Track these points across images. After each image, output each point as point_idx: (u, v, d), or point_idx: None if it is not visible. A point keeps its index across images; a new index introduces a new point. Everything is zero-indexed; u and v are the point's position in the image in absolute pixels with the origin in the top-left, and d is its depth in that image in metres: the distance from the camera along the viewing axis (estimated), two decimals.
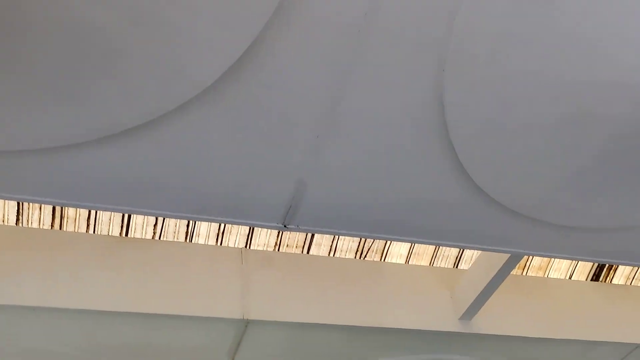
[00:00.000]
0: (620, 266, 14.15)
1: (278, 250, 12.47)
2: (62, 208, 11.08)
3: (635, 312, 13.72)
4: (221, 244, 12.00)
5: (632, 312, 13.69)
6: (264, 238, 12.29)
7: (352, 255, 13.08)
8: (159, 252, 11.05)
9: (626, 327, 13.29)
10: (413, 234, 6.87)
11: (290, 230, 6.62)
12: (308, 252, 12.79)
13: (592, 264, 13.98)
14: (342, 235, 6.45)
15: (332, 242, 12.92)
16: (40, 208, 10.98)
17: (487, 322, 12.24)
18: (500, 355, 13.25)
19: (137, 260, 10.81)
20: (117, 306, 10.19)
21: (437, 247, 13.21)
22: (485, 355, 13.22)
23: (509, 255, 10.43)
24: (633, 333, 13.25)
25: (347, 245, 12.95)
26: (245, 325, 11.14)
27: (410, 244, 12.95)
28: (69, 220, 11.06)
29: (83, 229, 11.07)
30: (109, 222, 11.16)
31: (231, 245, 12.11)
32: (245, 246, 12.15)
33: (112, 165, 5.47)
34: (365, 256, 13.18)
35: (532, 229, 6.97)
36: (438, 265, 13.34)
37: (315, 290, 11.89)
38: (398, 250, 13.15)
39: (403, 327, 11.89)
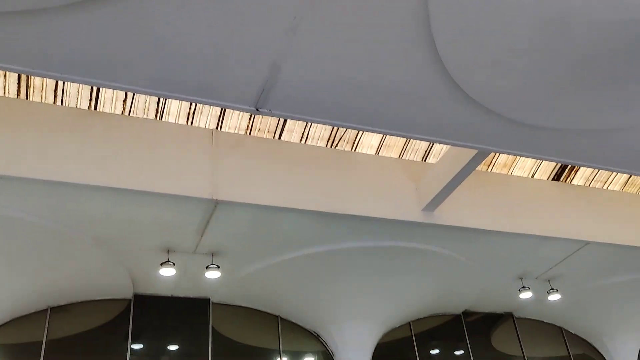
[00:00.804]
0: (580, 168, 14.66)
1: (249, 134, 12.48)
2: (28, 77, 10.71)
3: (589, 212, 14.38)
4: (192, 123, 11.92)
5: (586, 212, 14.35)
6: (236, 121, 12.24)
7: (323, 144, 13.20)
8: (128, 128, 10.91)
9: (579, 225, 13.97)
10: (385, 126, 6.89)
11: (263, 114, 6.56)
12: (279, 138, 12.84)
13: (554, 164, 14.43)
14: (314, 122, 6.42)
15: (304, 129, 12.96)
16: (5, 75, 10.60)
17: (449, 214, 12.73)
18: (460, 246, 13.96)
19: (106, 134, 10.68)
20: (85, 179, 10.23)
21: (408, 140, 13.39)
22: (445, 245, 13.91)
23: (476, 151, 10.65)
24: (584, 231, 13.95)
25: (319, 133, 13.02)
26: (215, 205, 11.37)
27: (381, 136, 13.11)
28: (35, 90, 10.73)
29: (50, 99, 10.80)
30: (77, 95, 10.88)
31: (202, 125, 12.05)
32: (217, 128, 12.10)
33: (81, 33, 5.20)
34: (337, 145, 13.33)
35: (502, 127, 7.05)
36: (407, 158, 13.60)
37: (285, 176, 12.09)
38: (369, 142, 13.31)
39: (368, 215, 12.32)
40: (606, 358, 18.67)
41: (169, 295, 14.40)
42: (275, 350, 15.22)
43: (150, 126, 11.06)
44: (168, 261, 12.28)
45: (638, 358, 18.55)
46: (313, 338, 15.62)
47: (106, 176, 10.21)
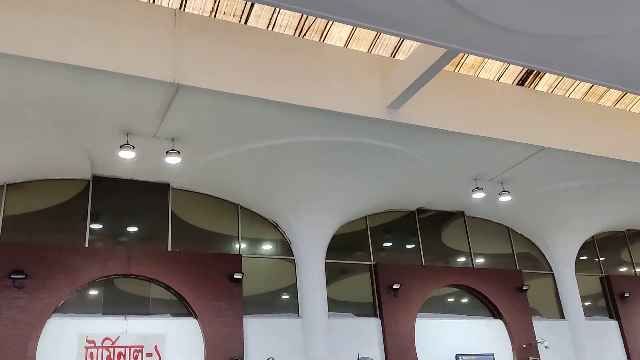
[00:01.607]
0: (545, 74, 14.73)
1: (214, 16, 11.93)
2: None
3: (548, 119, 14.66)
4: (154, 1, 11.28)
5: (545, 118, 14.61)
6: (200, 1, 11.62)
7: (291, 32, 12.74)
8: (87, 1, 10.27)
9: (537, 131, 14.26)
10: (356, 16, 6.66)
11: None
12: (246, 23, 12.32)
13: (521, 69, 14.43)
14: (282, 7, 6.13)
15: (272, 15, 12.43)
16: None
17: (413, 113, 12.76)
18: (421, 146, 14.16)
19: (63, 6, 10.03)
20: (40, 54, 9.71)
21: (378, 34, 13.07)
22: (406, 144, 14.08)
23: (445, 50, 10.52)
24: (541, 137, 14.28)
25: (287, 20, 12.52)
26: (176, 89, 11.05)
27: (351, 28, 12.73)
28: None
29: None
30: None
31: (164, 4, 11.43)
32: (180, 8, 11.50)
33: None
34: (305, 35, 12.89)
35: (474, 27, 6.91)
36: (376, 53, 13.36)
37: (251, 63, 11.74)
38: (338, 33, 12.91)
39: (334, 109, 12.23)
40: (547, 257, 19.87)
41: (129, 178, 14.36)
42: (234, 237, 15.61)
43: (109, 1, 10.43)
44: (127, 144, 12.11)
45: (576, 259, 19.83)
46: (272, 227, 16.03)
47: (61, 52, 9.72)
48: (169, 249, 14.39)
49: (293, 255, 15.87)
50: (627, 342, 19.72)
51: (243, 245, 15.62)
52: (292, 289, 15.71)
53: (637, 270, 21.99)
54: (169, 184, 14.86)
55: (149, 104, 11.27)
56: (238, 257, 15.02)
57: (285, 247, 16.01)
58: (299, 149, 13.43)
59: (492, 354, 16.64)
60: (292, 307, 15.52)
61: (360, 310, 16.76)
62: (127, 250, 13.72)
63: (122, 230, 14.76)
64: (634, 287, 20.76)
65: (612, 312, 20.32)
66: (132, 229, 14.81)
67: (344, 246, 17.26)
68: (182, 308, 13.96)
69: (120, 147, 12.15)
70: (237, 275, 14.36)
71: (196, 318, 13.81)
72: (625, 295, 20.25)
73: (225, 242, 15.65)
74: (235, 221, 15.69)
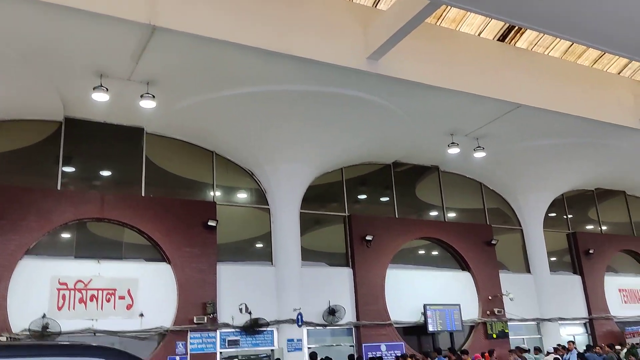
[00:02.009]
0: (526, 31, 14.66)
1: None
2: None
3: (526, 76, 14.67)
4: None
5: (523, 75, 14.62)
6: None
7: None
8: None
9: (514, 88, 14.30)
10: None
11: None
12: None
13: (502, 24, 14.32)
14: None
15: None
16: None
17: (393, 65, 12.63)
18: (399, 99, 14.08)
19: None
20: None
21: None
22: (385, 96, 13.97)
23: (429, 1, 10.37)
24: (519, 94, 14.33)
25: None
26: (152, 31, 10.73)
27: None
28: None
29: None
30: None
31: None
32: None
33: None
34: None
35: None
36: (357, 2, 13.10)
37: (230, 8, 11.38)
38: None
39: (313, 58, 12.03)
40: (517, 213, 20.29)
41: (102, 121, 14.08)
42: (209, 184, 15.56)
43: None
44: (101, 86, 11.81)
45: (545, 215, 20.29)
46: (247, 175, 16.00)
47: None
48: (143, 194, 14.29)
49: (268, 205, 15.92)
50: (589, 297, 20.48)
51: (218, 193, 15.59)
52: (266, 238, 15.84)
53: (603, 228, 22.65)
54: (143, 129, 14.63)
55: (123, 45, 10.95)
56: (212, 204, 15.01)
57: (260, 196, 16.04)
58: (276, 97, 13.28)
59: (459, 305, 17.15)
60: (266, 256, 15.68)
61: (333, 260, 17.01)
62: (101, 194, 13.59)
63: (95, 174, 14.58)
64: (598, 244, 21.41)
65: (576, 268, 20.99)
66: (106, 173, 14.64)
67: (319, 197, 17.36)
68: (155, 253, 14.00)
69: (94, 89, 11.85)
70: (211, 223, 14.39)
71: (169, 263, 13.88)
72: (590, 251, 20.89)
73: (199, 189, 15.60)
74: (210, 168, 15.60)
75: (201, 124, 14.42)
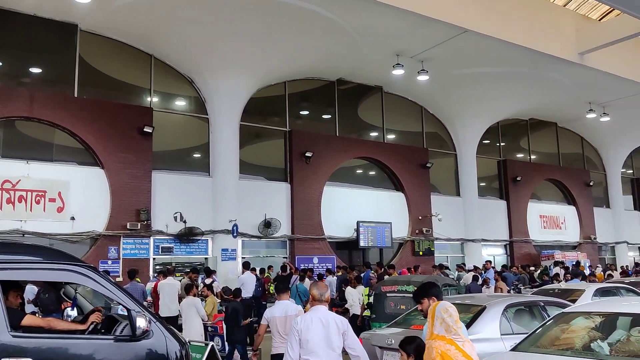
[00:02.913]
0: None
1: None
2: None
3: (474, 2, 14.56)
4: None
5: (471, 1, 14.50)
6: None
7: None
8: None
9: (462, 12, 14.17)
10: None
11: None
12: None
13: None
14: None
15: None
16: None
17: None
18: (346, 12, 13.59)
19: None
20: None
21: None
22: (331, 7, 13.52)
23: None
24: (466, 19, 14.24)
25: None
26: None
27: None
28: None
29: None
30: None
31: None
32: None
33: None
34: None
35: None
36: None
37: None
38: None
39: None
40: (453, 138, 20.81)
41: (32, 14, 13.11)
42: (146, 89, 15.01)
43: None
44: None
45: (479, 142, 20.93)
46: (187, 83, 15.51)
47: None
48: (76, 95, 13.67)
49: (207, 114, 15.61)
50: (512, 221, 21.67)
51: (155, 99, 15.10)
52: (204, 148, 15.65)
53: (532, 157, 23.65)
54: (77, 25, 13.75)
55: None
56: (149, 110, 14.56)
57: (200, 105, 15.67)
58: (223, 4, 12.71)
59: (390, 223, 17.78)
60: (203, 166, 15.56)
61: (271, 174, 17.09)
62: (30, 92, 12.90)
63: (24, 70, 13.75)
64: (526, 172, 22.43)
65: (503, 193, 22.03)
66: (35, 70, 13.84)
67: (261, 110, 17.14)
68: (88, 157, 13.61)
69: None
70: (147, 129, 14.02)
71: (103, 168, 13.56)
72: (517, 179, 21.88)
73: (136, 94, 15.04)
74: (148, 72, 14.99)
75: (141, 25, 13.69)
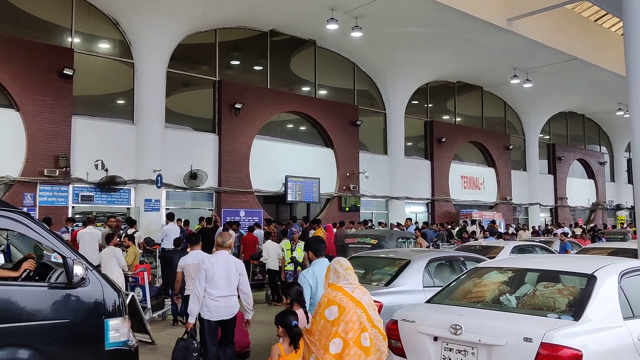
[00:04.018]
0: None
1: None
2: None
3: None
4: None
5: None
6: None
7: None
8: None
9: None
10: None
11: None
12: None
13: None
14: None
15: None
16: None
17: None
18: None
19: None
20: None
21: None
22: None
23: None
24: None
25: None
26: None
27: None
28: None
29: None
30: None
31: None
32: None
33: None
34: None
35: None
36: None
37: None
38: None
39: None
40: (383, 97, 21.01)
41: None
42: (67, 28, 14.11)
43: None
44: None
45: (408, 102, 21.26)
46: (111, 24, 14.70)
47: None
48: None
49: (132, 59, 14.91)
50: (434, 180, 22.37)
51: (76, 40, 14.24)
52: (129, 94, 15.02)
53: (457, 119, 24.33)
54: None
55: None
56: (69, 51, 13.74)
57: (125, 49, 14.94)
58: None
59: (319, 179, 17.92)
60: (127, 113, 14.98)
61: (198, 124, 16.71)
62: None
63: None
64: (450, 133, 23.10)
65: (428, 154, 22.64)
66: None
67: (190, 58, 16.58)
68: (2, 98, 12.76)
69: None
70: (67, 71, 13.27)
71: (18, 110, 12.78)
72: (442, 140, 22.51)
73: (56, 33, 14.13)
74: (69, 11, 14.07)
75: None
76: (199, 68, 16.77)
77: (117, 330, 4.17)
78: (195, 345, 5.56)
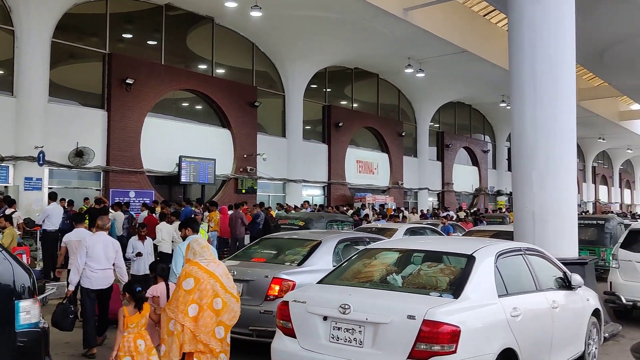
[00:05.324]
0: None
1: None
2: None
3: None
4: None
5: None
6: None
7: None
8: None
9: None
10: None
11: None
12: None
13: None
14: None
15: None
16: None
17: None
18: None
19: None
20: None
21: None
22: None
23: None
24: None
25: None
26: None
27: None
28: None
29: None
30: None
31: None
32: None
33: None
34: None
35: None
36: None
37: None
38: None
39: None
40: (282, 79, 20.94)
41: None
42: None
43: None
44: None
45: (307, 86, 21.35)
46: None
47: None
48: None
49: (12, 26, 13.76)
50: (331, 164, 22.75)
51: None
52: (8, 65, 13.91)
53: (354, 105, 24.82)
54: None
55: None
56: None
57: (4, 15, 13.74)
58: None
59: (214, 159, 17.60)
60: (6, 85, 13.87)
61: (86, 99, 15.82)
62: None
63: None
64: (347, 118, 23.55)
65: (325, 138, 22.95)
66: None
67: (78, 28, 15.60)
68: None
69: None
70: None
71: None
72: (340, 124, 22.90)
73: None
74: None
75: None
76: (87, 39, 15.80)
77: (28, 312, 3.96)
78: (72, 309, 6.20)
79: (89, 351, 6.25)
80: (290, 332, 4.41)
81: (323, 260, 6.40)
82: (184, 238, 6.20)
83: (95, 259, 6.35)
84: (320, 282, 4.94)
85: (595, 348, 5.90)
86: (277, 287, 5.87)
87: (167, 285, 5.40)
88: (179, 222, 7.87)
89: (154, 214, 12.30)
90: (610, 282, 8.21)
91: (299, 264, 6.39)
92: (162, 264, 5.80)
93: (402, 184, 26.48)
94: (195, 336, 4.61)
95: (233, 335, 5.51)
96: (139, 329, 4.99)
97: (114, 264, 6.53)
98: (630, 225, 10.09)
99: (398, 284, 4.60)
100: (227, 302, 4.73)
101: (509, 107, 21.38)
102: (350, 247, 7.03)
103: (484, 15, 22.15)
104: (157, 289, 5.35)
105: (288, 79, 20.87)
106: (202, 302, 4.65)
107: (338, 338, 4.15)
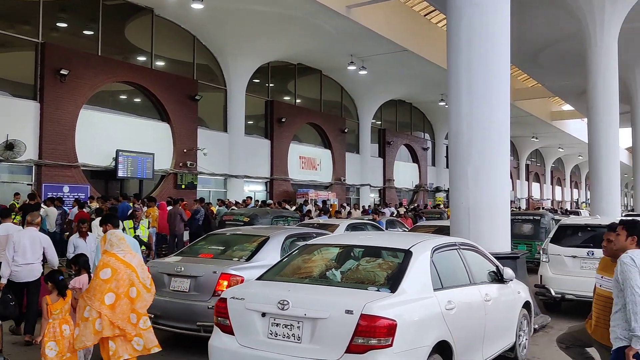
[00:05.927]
0: None
1: None
2: None
3: None
4: None
5: None
6: None
7: None
8: None
9: None
10: None
11: None
12: None
13: None
14: None
15: None
16: None
17: None
18: None
19: None
20: None
21: None
22: None
23: None
24: None
25: None
26: None
27: None
28: None
29: None
30: None
31: None
32: None
33: None
34: None
35: None
36: None
37: None
38: None
39: None
40: (224, 73, 20.67)
41: None
42: None
43: None
44: None
45: (249, 81, 21.17)
46: None
47: None
48: None
49: None
50: (274, 160, 22.67)
51: None
52: None
53: (297, 100, 24.81)
54: None
55: None
56: None
57: None
58: None
59: (153, 154, 17.20)
60: None
61: (17, 90, 15.16)
62: None
63: None
64: (290, 114, 23.51)
65: (268, 133, 22.84)
66: None
67: (8, 15, 14.90)
68: None
69: None
70: None
71: None
72: (282, 120, 22.83)
73: None
74: None
75: None
76: (18, 27, 15.11)
77: None
78: (10, 297, 6.36)
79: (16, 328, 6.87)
80: (228, 329, 4.36)
81: (271, 256, 6.38)
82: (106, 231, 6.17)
83: (21, 254, 6.55)
84: (259, 278, 4.91)
85: (526, 339, 6.12)
86: (225, 283, 5.82)
87: (89, 276, 5.55)
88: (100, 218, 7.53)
89: (83, 210, 11.93)
90: (541, 276, 8.55)
91: (247, 260, 6.37)
92: (84, 257, 6.02)
93: (344, 180, 26.69)
94: (112, 322, 4.90)
95: (181, 332, 5.93)
96: (64, 315, 5.27)
97: (44, 260, 6.72)
98: (560, 220, 10.53)
99: (337, 279, 4.63)
100: (140, 291, 5.06)
101: (447, 106, 21.94)
102: (298, 242, 6.98)
103: (425, 15, 22.59)
104: (79, 281, 5.58)
105: (230, 73, 20.61)
106: (119, 290, 4.94)
107: (276, 334, 4.13)
